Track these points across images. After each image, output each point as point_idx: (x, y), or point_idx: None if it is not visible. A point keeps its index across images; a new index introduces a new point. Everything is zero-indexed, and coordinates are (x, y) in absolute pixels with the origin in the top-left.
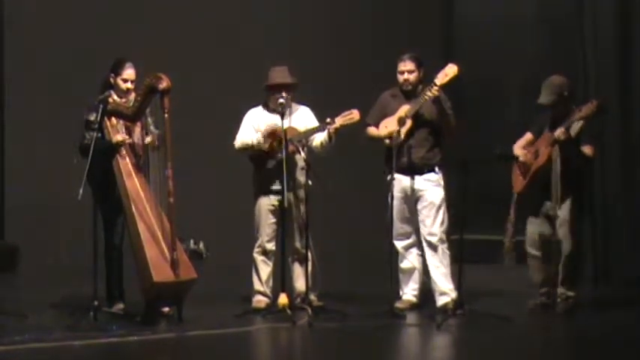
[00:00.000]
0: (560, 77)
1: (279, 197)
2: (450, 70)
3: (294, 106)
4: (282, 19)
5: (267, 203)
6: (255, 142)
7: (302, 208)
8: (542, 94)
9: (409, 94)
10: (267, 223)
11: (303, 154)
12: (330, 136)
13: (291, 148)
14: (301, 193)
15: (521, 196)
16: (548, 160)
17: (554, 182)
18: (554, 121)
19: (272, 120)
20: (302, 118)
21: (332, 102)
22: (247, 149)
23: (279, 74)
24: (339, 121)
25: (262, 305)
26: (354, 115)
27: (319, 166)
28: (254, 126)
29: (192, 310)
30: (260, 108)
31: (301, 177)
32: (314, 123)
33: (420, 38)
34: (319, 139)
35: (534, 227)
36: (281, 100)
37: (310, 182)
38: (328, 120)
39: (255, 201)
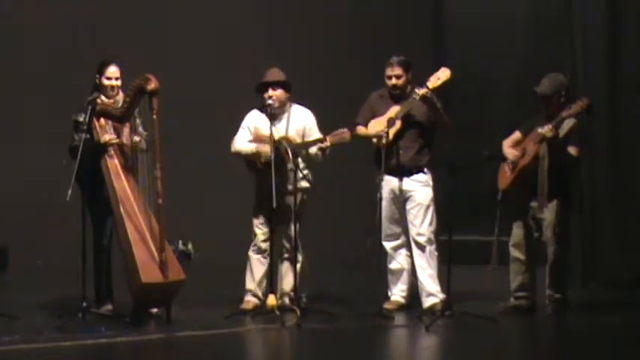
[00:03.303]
0: (564, 77)
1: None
2: (443, 74)
3: (295, 107)
4: (279, 19)
5: (262, 203)
6: (250, 151)
7: (293, 209)
8: (542, 83)
9: (397, 97)
10: (261, 223)
11: (291, 156)
12: (321, 152)
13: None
14: (291, 196)
15: (506, 194)
16: (535, 158)
17: (540, 180)
18: (547, 119)
19: (267, 123)
20: (301, 120)
21: (324, 103)
22: (240, 155)
23: (270, 73)
24: (330, 139)
25: (250, 307)
26: (345, 134)
27: (308, 167)
28: (250, 128)
29: (181, 311)
30: (257, 111)
31: (291, 177)
32: (313, 127)
33: (410, 38)
34: (313, 149)
35: (520, 229)
36: (269, 102)
37: (302, 180)
38: (320, 137)
39: (254, 201)
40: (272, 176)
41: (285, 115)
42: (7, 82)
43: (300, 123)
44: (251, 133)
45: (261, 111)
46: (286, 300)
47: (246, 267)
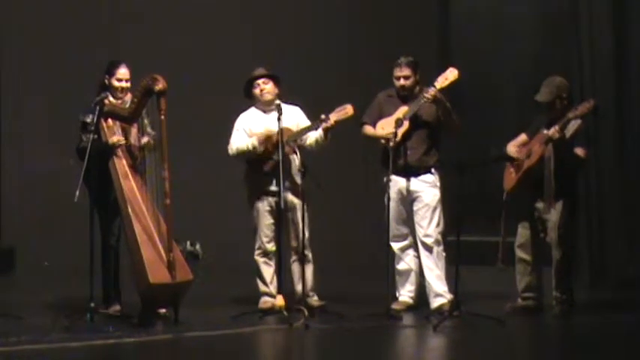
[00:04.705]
0: (562, 79)
1: (276, 198)
2: (451, 74)
3: (284, 106)
4: (277, 18)
5: (264, 205)
6: (250, 146)
7: (299, 208)
8: (541, 91)
9: (406, 97)
10: (265, 225)
11: (299, 155)
12: (325, 133)
13: (287, 149)
14: (298, 194)
15: (511, 194)
16: (540, 159)
17: (546, 181)
18: (550, 123)
19: (265, 120)
20: (293, 117)
21: (327, 102)
22: (242, 154)
23: (258, 70)
24: (333, 117)
25: (269, 305)
26: (348, 109)
27: (316, 167)
28: (245, 130)
29: (189, 312)
30: (252, 109)
31: (298, 178)
32: (305, 122)
33: (417, 39)
34: (314, 136)
35: (526, 230)
36: (277, 102)
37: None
38: (323, 117)
39: (251, 203)
40: (280, 176)
41: (275, 111)
42: (10, 82)
43: (292, 120)
44: (247, 134)
45: (258, 109)
46: (312, 300)
47: (255, 272)
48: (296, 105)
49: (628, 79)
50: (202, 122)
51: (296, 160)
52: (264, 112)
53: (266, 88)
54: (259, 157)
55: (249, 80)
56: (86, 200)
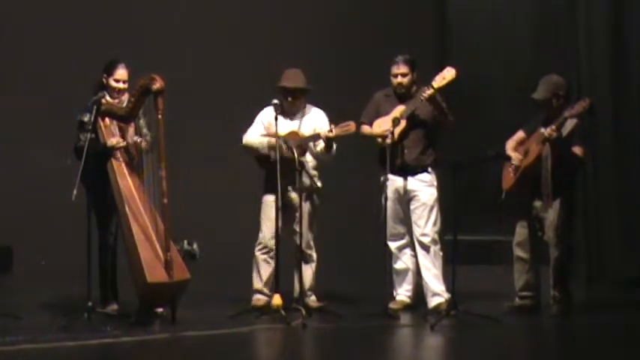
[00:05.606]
0: (559, 77)
1: (283, 196)
2: (448, 74)
3: (308, 107)
4: (277, 18)
5: (271, 201)
6: (264, 145)
7: (305, 207)
8: (538, 89)
9: (403, 96)
10: (270, 221)
11: (296, 155)
12: (327, 145)
13: (288, 153)
14: (305, 193)
15: (510, 194)
16: (538, 158)
17: (544, 180)
18: (547, 121)
19: (287, 124)
20: (314, 121)
21: (326, 102)
22: (251, 150)
23: (291, 77)
24: (335, 131)
25: (262, 303)
26: (351, 126)
27: (316, 168)
28: (264, 123)
29: (186, 311)
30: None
31: (305, 178)
32: (325, 127)
33: (414, 38)
34: (321, 146)
35: (524, 229)
36: (275, 101)
37: (308, 182)
38: (330, 127)
39: (262, 199)
40: (277, 175)
41: (299, 114)
42: (7, 82)
43: (312, 124)
44: (265, 128)
45: (282, 109)
46: (310, 300)
47: (253, 268)
48: (319, 108)
49: (626, 79)
50: (200, 122)
51: (295, 160)
52: (287, 114)
53: (295, 103)
54: (267, 157)
55: (286, 88)
56: (83, 199)
